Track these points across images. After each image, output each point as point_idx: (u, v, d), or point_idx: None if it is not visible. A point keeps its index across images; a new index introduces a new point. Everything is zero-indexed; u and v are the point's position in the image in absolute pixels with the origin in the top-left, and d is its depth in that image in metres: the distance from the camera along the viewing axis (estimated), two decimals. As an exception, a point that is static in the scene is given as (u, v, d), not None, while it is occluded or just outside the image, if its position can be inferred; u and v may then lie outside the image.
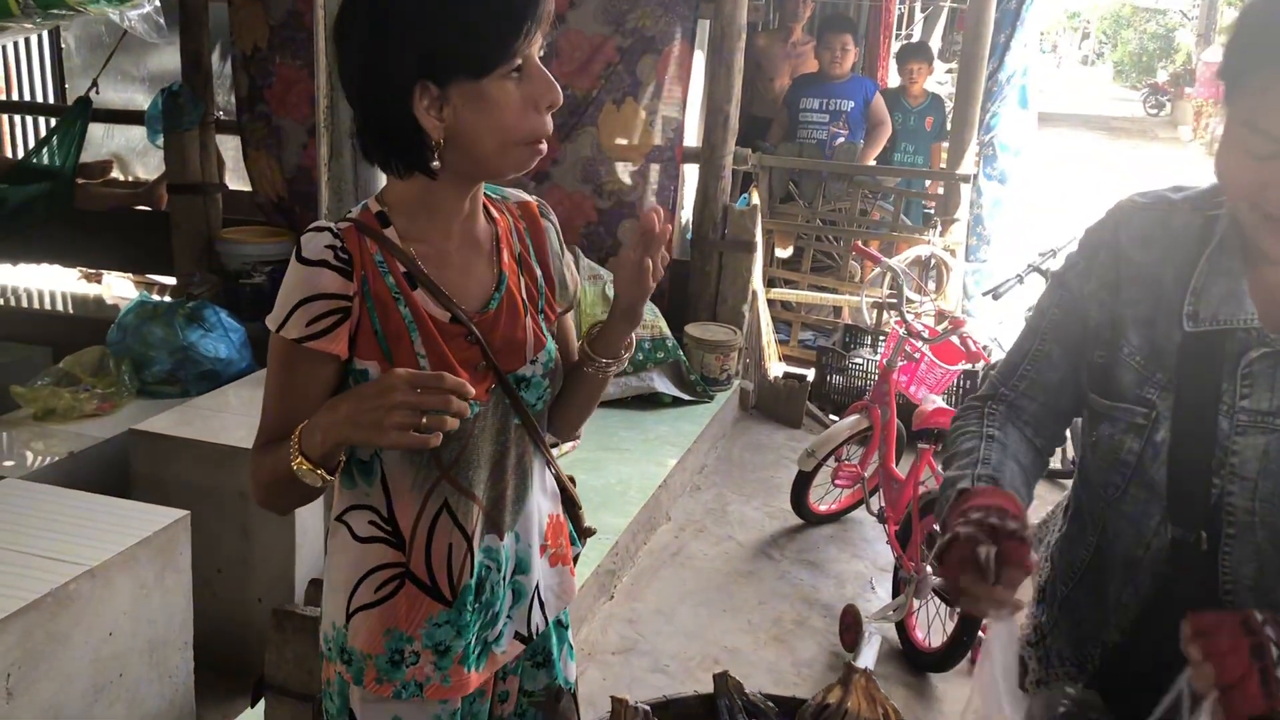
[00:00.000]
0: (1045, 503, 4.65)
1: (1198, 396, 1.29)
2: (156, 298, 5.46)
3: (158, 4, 2.22)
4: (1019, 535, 1.20)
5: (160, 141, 5.42)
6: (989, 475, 1.35)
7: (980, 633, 3.11)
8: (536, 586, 1.52)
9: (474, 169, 1.31)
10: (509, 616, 1.49)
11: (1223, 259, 1.28)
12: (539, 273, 1.47)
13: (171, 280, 5.91)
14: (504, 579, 1.46)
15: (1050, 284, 1.47)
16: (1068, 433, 1.56)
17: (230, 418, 3.40)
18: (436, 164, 1.28)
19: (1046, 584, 1.54)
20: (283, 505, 1.38)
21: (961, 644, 3.11)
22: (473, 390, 1.20)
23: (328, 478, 1.28)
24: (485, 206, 1.44)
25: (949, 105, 6.27)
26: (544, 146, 1.32)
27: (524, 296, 1.44)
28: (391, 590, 1.40)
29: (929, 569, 3.16)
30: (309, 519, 3.06)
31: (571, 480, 1.62)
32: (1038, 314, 1.48)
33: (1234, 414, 1.26)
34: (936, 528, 1.34)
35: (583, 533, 1.66)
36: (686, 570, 3.65)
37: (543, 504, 1.53)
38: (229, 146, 6.09)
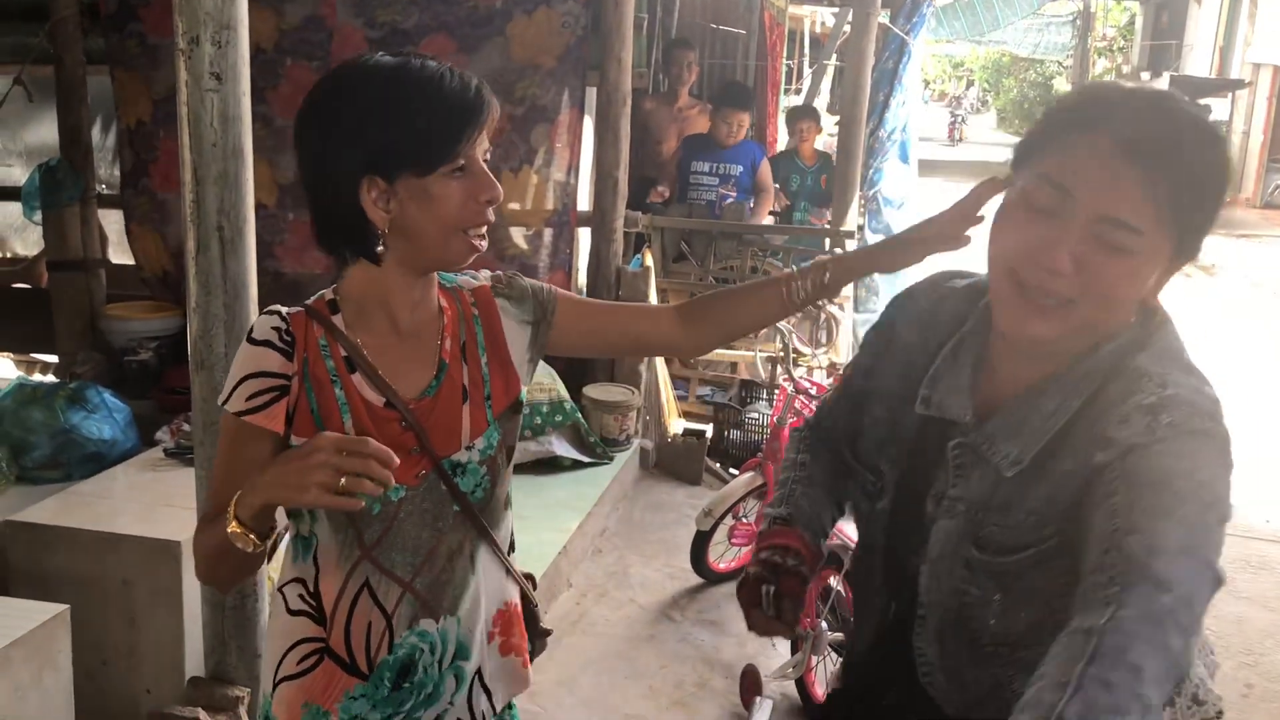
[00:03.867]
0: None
1: (915, 475, 1.36)
2: (37, 378, 5.30)
3: None
4: (796, 571, 1.40)
5: (38, 218, 5.29)
6: (782, 516, 1.49)
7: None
8: (479, 672, 1.56)
9: (417, 258, 1.40)
10: (451, 702, 1.54)
11: (960, 352, 1.34)
12: (484, 359, 1.53)
13: (54, 359, 5.74)
14: (439, 662, 1.51)
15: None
16: None
17: (114, 503, 3.30)
18: (381, 249, 1.36)
19: None
20: (222, 576, 1.44)
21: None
22: (396, 459, 1.24)
23: (258, 543, 1.32)
24: (439, 298, 1.51)
25: (836, 163, 6.45)
26: (483, 241, 1.40)
27: (465, 384, 1.50)
28: (312, 664, 1.47)
29: (824, 625, 3.21)
30: (197, 605, 2.98)
31: (530, 579, 1.68)
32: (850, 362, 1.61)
33: (941, 499, 1.31)
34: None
35: (536, 633, 1.71)
36: (588, 637, 3.64)
37: (493, 592, 1.57)
38: (112, 221, 5.96)
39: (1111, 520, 1.09)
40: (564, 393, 4.76)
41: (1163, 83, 19.14)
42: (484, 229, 1.39)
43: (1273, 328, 9.98)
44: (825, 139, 10.58)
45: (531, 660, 1.69)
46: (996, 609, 1.26)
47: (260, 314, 1.44)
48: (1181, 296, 11.23)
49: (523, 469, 4.60)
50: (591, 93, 5.12)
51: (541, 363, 5.21)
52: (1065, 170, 1.18)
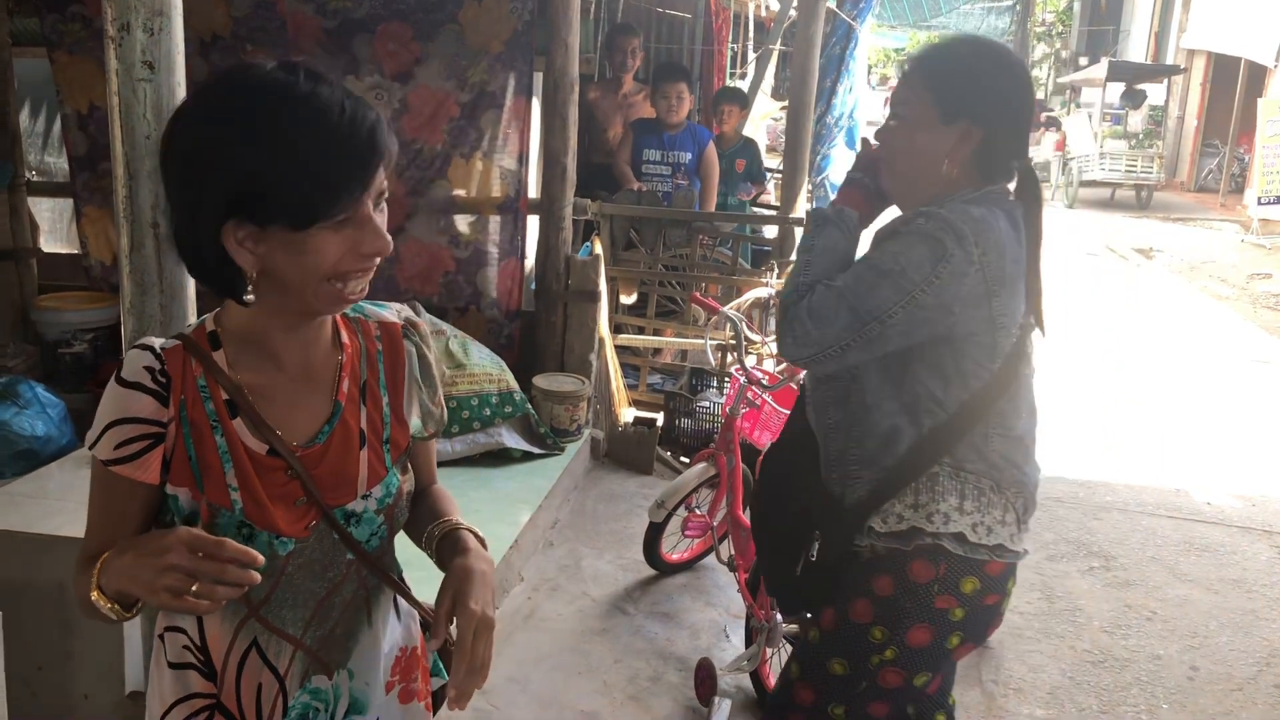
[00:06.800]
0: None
1: None
2: (-34, 372, 5.13)
3: None
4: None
5: (-36, 207, 5.12)
6: None
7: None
8: None
9: (290, 302, 1.26)
10: None
11: None
12: (385, 400, 1.41)
13: (-17, 352, 5.56)
14: (333, 718, 1.41)
15: None
16: None
17: (49, 503, 3.19)
18: (250, 297, 1.23)
19: None
20: (100, 619, 1.30)
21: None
22: (259, 558, 1.15)
23: (125, 615, 1.24)
24: (338, 329, 1.38)
25: (763, 147, 6.43)
26: (361, 293, 1.27)
27: (363, 427, 1.38)
28: None
29: (778, 617, 3.19)
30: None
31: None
32: None
33: None
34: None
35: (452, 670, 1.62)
36: (540, 633, 3.60)
37: (392, 638, 1.47)
38: (44, 209, 5.79)
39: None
40: (513, 383, 4.69)
41: (1100, 68, 19.42)
42: (364, 280, 1.25)
43: (1208, 310, 10.17)
44: (770, 122, 10.55)
45: (439, 701, 1.59)
46: None
47: (131, 347, 1.30)
48: (1120, 280, 11.40)
49: (472, 461, 4.54)
50: (538, 78, 5.05)
51: (491, 353, 5.08)
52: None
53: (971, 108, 1.88)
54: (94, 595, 1.22)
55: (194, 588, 1.12)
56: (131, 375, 1.26)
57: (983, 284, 1.84)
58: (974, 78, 1.91)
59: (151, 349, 1.28)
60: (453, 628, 1.29)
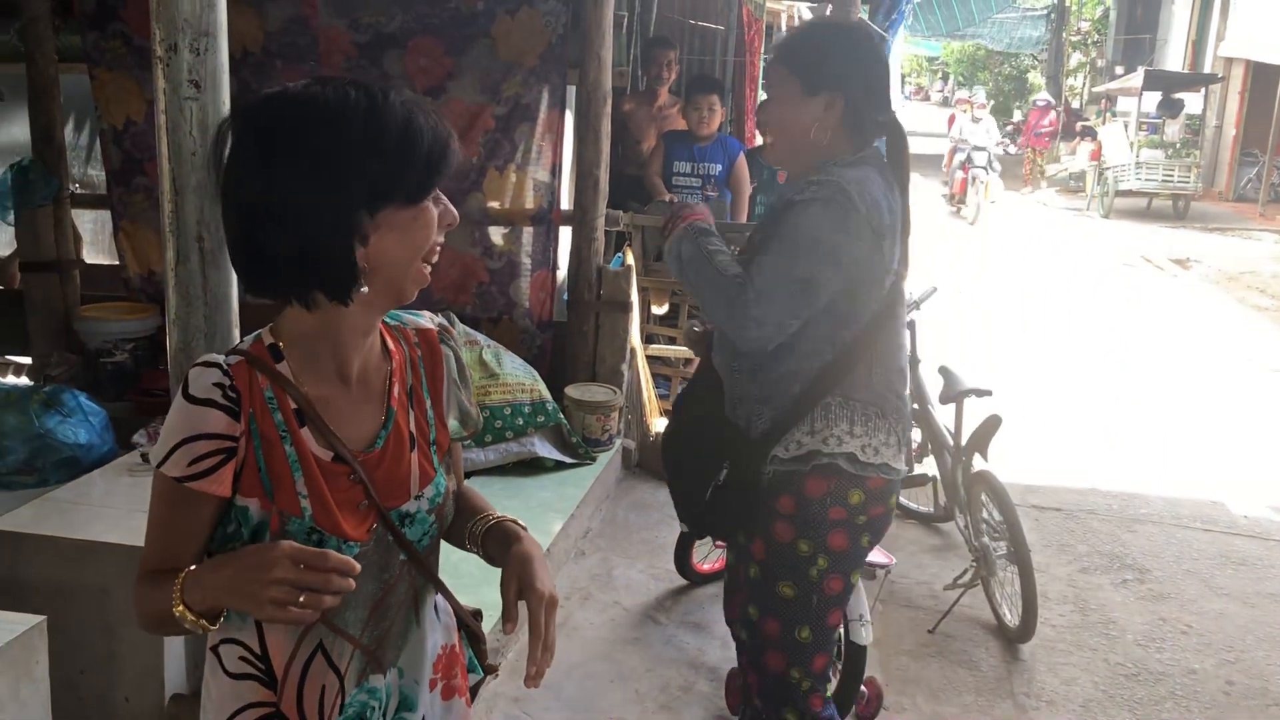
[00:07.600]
0: (920, 547, 4.73)
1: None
2: (10, 381, 5.24)
3: None
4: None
5: (10, 218, 5.21)
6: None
7: (863, 688, 3.15)
8: None
9: (383, 294, 1.32)
10: None
11: None
12: (429, 403, 1.47)
13: (28, 361, 5.67)
14: (385, 715, 1.45)
15: None
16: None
17: (92, 510, 3.25)
18: (366, 289, 1.29)
19: None
20: (166, 633, 1.38)
21: (847, 697, 3.14)
22: (357, 566, 1.21)
23: (210, 627, 1.28)
24: (382, 338, 1.44)
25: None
26: (428, 276, 1.35)
27: (412, 430, 1.44)
28: None
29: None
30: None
31: (477, 615, 1.63)
32: None
33: None
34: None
35: (486, 668, 1.67)
36: (573, 641, 3.63)
37: (434, 637, 1.52)
38: (86, 221, 5.89)
39: (760, 253, 2.17)
40: (546, 393, 4.73)
41: (1137, 77, 19.27)
42: (434, 258, 1.35)
43: (1247, 320, 10.06)
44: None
45: (474, 696, 1.66)
46: None
47: (194, 365, 1.34)
48: (1155, 290, 11.29)
49: (505, 470, 4.58)
50: (571, 91, 5.10)
51: (523, 362, 5.11)
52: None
53: (829, 79, 2.20)
54: (179, 610, 1.25)
55: (300, 599, 1.17)
56: (201, 392, 1.29)
57: (872, 235, 2.13)
58: (829, 54, 2.23)
59: (220, 366, 1.32)
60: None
